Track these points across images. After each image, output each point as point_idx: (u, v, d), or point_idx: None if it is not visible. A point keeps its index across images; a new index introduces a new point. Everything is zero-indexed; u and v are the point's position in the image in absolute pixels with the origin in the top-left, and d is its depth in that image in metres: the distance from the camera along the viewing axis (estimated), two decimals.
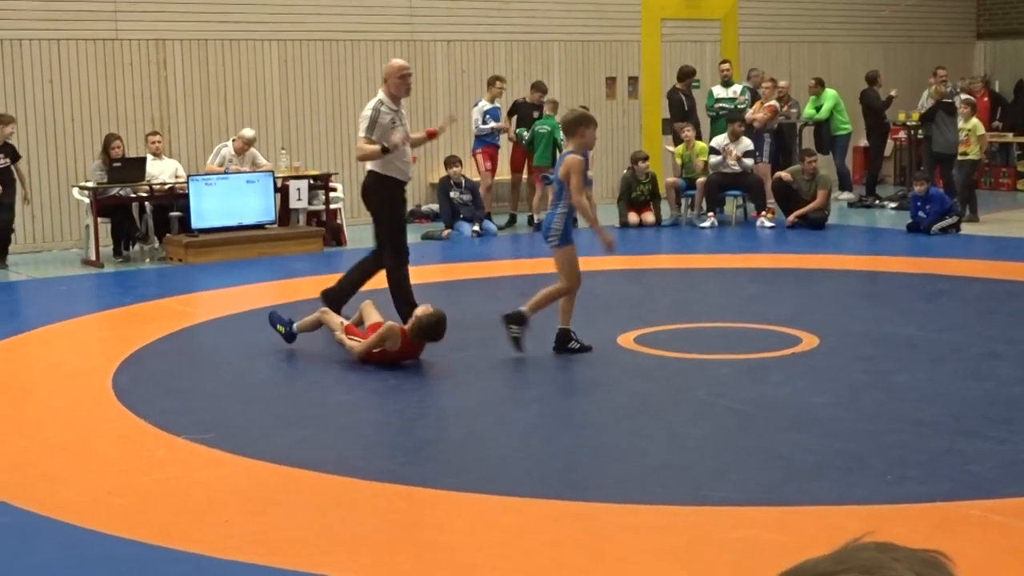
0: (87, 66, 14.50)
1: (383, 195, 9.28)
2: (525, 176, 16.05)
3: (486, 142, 15.72)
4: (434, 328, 8.08)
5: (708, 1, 19.43)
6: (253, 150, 14.31)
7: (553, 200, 8.36)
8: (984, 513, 5.08)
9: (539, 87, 16.05)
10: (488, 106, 15.69)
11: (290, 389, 7.90)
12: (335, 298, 9.45)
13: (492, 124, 15.65)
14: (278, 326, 8.75)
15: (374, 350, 8.07)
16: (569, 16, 18.00)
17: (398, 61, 9.57)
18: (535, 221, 15.06)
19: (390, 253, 9.29)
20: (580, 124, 8.20)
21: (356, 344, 8.19)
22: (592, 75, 18.25)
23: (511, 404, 7.42)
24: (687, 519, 5.23)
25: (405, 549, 4.99)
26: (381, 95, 9.26)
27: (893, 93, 18.16)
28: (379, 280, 9.40)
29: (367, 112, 9.25)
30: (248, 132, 14.26)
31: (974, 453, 5.95)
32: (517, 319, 8.27)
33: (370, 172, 9.34)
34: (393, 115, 9.21)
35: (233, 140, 14.19)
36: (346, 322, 8.46)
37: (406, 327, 8.16)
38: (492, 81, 15.86)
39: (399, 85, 9.25)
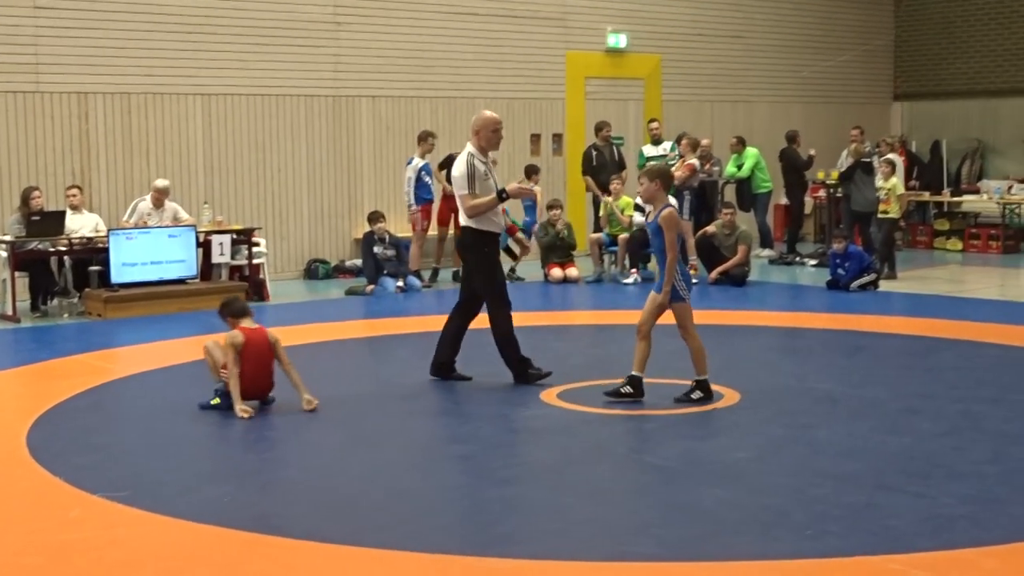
0: (7, 118, 14.33)
1: (483, 251, 9.13)
2: (452, 231, 16.11)
3: (425, 199, 15.74)
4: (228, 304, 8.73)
5: (631, 60, 19.68)
6: (174, 204, 14.20)
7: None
8: (904, 567, 5.12)
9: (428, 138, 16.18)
10: (421, 162, 15.70)
11: (209, 446, 7.78)
12: (441, 365, 9.32)
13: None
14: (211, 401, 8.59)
15: (229, 369, 8.31)
16: (495, 74, 18.13)
17: (490, 114, 9.30)
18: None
19: (497, 307, 9.12)
20: None
21: (230, 379, 8.30)
22: (517, 132, 18.37)
23: (435, 459, 7.37)
24: (611, 575, 5.21)
25: None
26: (471, 148, 9.11)
27: (812, 152, 18.49)
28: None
29: (462, 169, 9.03)
30: (161, 182, 14.14)
31: (893, 507, 6.00)
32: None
33: (466, 228, 9.11)
34: (485, 167, 9.13)
35: (151, 194, 14.08)
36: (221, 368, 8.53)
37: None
38: (424, 137, 15.88)
39: (491, 138, 9.16)
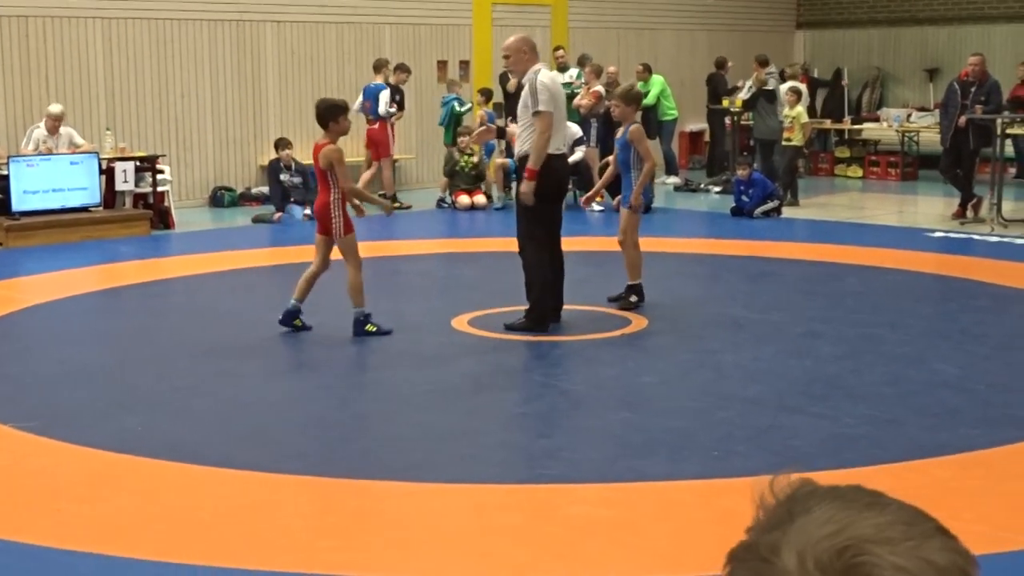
0: None
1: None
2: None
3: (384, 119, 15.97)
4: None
5: None
6: (70, 130, 13.91)
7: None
8: None
9: (404, 68, 16.49)
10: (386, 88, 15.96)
11: (121, 375, 7.74)
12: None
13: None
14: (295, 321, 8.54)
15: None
16: None
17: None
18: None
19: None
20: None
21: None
22: (423, 58, 18.25)
23: (348, 387, 7.43)
24: (524, 497, 5.33)
25: (245, 534, 4.97)
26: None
27: (740, 84, 18.62)
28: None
29: None
30: (55, 108, 13.82)
31: (796, 428, 6.20)
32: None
33: None
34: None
35: (44, 120, 13.80)
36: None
37: None
38: (383, 65, 16.17)
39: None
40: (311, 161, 8.82)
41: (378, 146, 16.06)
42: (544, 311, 8.52)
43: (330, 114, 8.39)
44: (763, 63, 16.98)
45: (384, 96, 15.92)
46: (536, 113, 8.31)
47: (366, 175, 15.96)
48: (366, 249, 12.39)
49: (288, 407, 6.87)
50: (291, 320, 8.52)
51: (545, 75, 8.49)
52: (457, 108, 16.88)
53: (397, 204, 15.72)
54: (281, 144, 15.10)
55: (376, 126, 15.99)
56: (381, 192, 15.55)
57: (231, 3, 16.34)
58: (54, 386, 7.30)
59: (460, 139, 16.24)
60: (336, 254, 8.51)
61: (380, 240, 13.64)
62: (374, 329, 8.36)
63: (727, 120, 18.85)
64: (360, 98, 15.97)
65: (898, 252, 12.05)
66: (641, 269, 9.27)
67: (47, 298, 10.09)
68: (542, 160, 8.32)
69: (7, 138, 14.40)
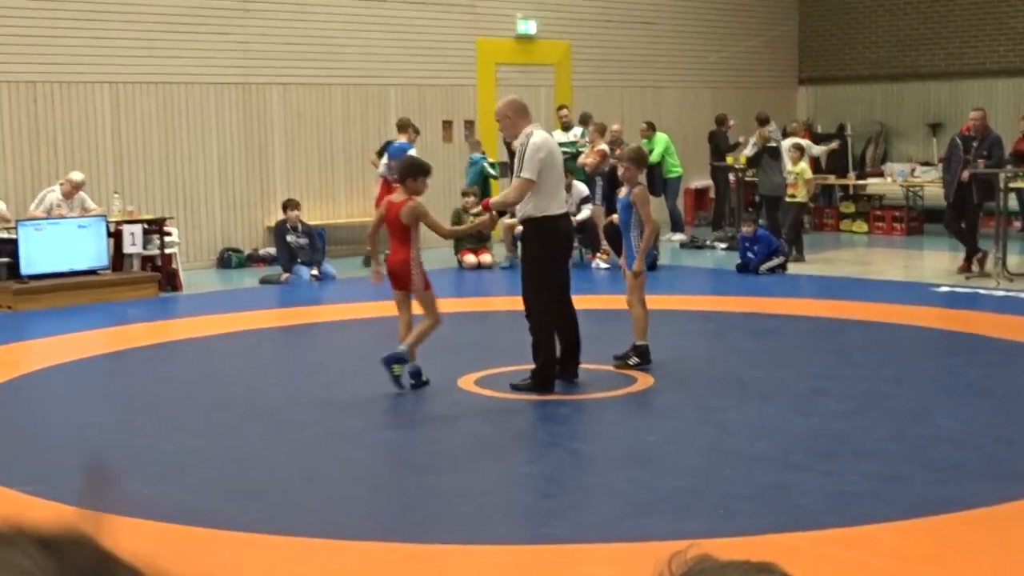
0: None
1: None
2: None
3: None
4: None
5: (541, 47, 19.79)
6: (82, 194, 14.04)
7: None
8: (812, 544, 5.29)
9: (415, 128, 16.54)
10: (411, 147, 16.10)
11: (124, 438, 7.74)
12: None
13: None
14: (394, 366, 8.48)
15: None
16: (406, 60, 18.13)
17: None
18: None
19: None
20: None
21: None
22: (429, 119, 18.39)
23: (352, 447, 7.43)
24: (529, 558, 5.32)
25: None
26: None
27: (741, 140, 18.75)
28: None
29: None
30: (77, 175, 13.99)
31: (802, 486, 6.18)
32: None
33: None
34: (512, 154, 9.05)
35: (61, 184, 13.92)
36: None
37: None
38: (407, 124, 16.25)
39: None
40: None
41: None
42: (551, 373, 8.50)
43: (410, 172, 8.61)
44: (763, 121, 17.09)
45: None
46: (518, 176, 8.33)
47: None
48: (370, 310, 12.46)
49: (292, 468, 6.87)
50: (419, 378, 8.58)
51: (538, 136, 8.42)
52: (488, 170, 16.99)
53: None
54: (288, 205, 15.18)
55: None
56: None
57: (237, 66, 16.49)
58: (59, 449, 7.30)
59: (466, 198, 16.35)
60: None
61: (384, 300, 13.68)
62: (398, 373, 8.40)
63: (731, 177, 18.94)
64: (385, 158, 16.06)
65: (903, 307, 12.06)
66: (646, 328, 9.23)
67: (54, 361, 10.11)
68: (503, 207, 8.94)
69: (15, 202, 14.50)
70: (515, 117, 8.60)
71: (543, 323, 8.52)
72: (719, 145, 19.09)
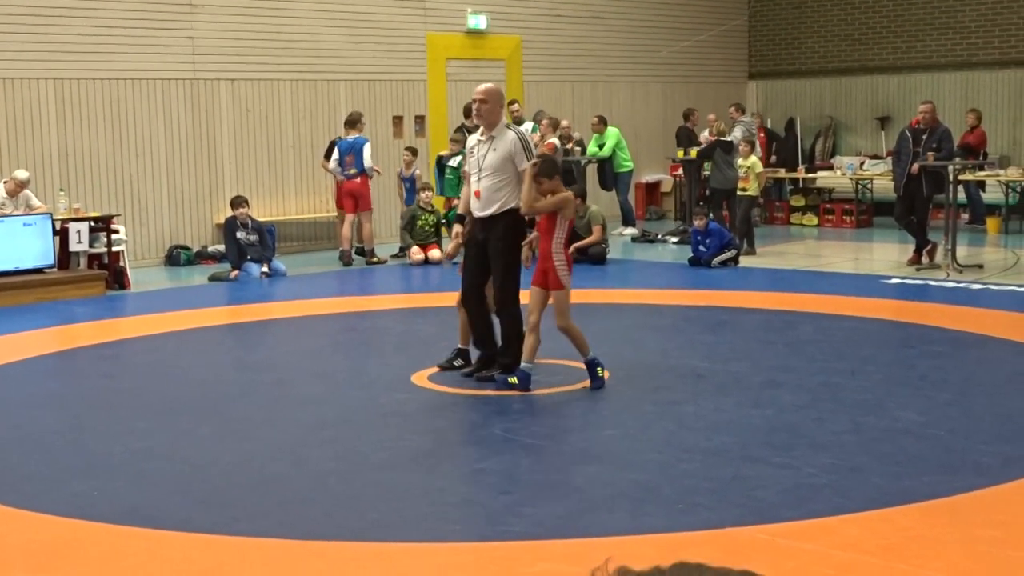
0: None
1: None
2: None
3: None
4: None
5: (492, 42, 19.72)
6: (27, 191, 13.84)
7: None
8: (771, 537, 5.27)
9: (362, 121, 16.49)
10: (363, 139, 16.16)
11: (75, 439, 7.61)
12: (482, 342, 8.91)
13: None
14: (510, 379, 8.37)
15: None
16: (355, 55, 18.01)
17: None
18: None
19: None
20: None
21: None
22: (379, 114, 18.28)
23: (306, 446, 7.33)
24: (487, 555, 5.26)
25: None
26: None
27: (703, 136, 18.74)
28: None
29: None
30: (21, 174, 13.78)
31: (759, 479, 6.16)
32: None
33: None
34: (476, 145, 8.69)
35: (4, 182, 13.70)
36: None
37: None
38: (358, 119, 16.26)
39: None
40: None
41: (359, 199, 16.02)
42: (517, 350, 8.51)
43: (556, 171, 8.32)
44: (741, 110, 17.44)
45: (368, 150, 15.96)
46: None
47: (346, 229, 15.95)
48: (323, 306, 12.36)
49: (246, 468, 6.77)
50: (527, 381, 8.38)
51: (524, 128, 8.57)
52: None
53: (375, 259, 15.78)
54: (237, 202, 15.03)
55: (359, 180, 15.97)
56: (358, 245, 15.76)
57: (185, 62, 16.31)
58: (6, 451, 7.17)
59: (423, 193, 16.31)
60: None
61: (335, 296, 13.58)
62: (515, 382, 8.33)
63: (682, 171, 18.97)
64: (336, 154, 16.00)
65: (855, 299, 12.11)
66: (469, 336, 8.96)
67: (0, 362, 9.94)
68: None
69: None
70: (494, 104, 8.58)
71: (516, 313, 8.60)
72: (688, 139, 19.06)
